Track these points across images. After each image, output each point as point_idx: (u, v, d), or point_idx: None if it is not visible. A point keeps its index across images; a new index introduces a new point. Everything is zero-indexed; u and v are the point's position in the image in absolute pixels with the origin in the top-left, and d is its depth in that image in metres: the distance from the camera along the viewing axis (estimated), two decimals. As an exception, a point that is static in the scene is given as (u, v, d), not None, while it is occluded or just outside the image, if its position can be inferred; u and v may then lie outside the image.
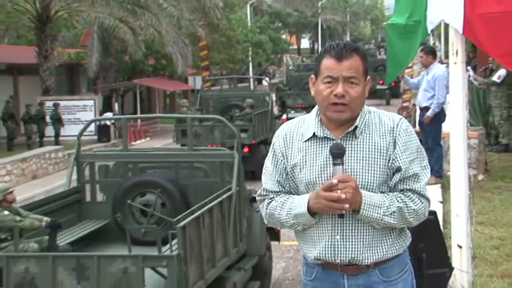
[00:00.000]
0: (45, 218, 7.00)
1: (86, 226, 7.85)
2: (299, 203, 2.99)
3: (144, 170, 8.18)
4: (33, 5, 24.15)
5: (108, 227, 7.83)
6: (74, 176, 8.10)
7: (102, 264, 5.74)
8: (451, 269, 4.64)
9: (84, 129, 9.39)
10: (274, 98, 24.19)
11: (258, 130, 16.15)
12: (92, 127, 24.95)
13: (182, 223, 5.75)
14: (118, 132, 26.53)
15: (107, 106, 27.99)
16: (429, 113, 9.82)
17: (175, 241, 5.81)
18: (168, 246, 5.90)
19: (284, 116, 23.83)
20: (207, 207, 6.38)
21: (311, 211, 2.95)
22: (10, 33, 26.54)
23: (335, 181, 2.84)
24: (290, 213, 3.02)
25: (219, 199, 6.72)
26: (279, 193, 3.14)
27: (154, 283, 5.79)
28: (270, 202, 3.13)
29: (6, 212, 6.74)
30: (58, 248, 6.84)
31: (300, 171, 3.05)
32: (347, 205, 2.84)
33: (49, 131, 23.45)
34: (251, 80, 40.35)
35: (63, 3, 24.53)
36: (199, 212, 6.20)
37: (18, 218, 6.80)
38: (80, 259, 5.82)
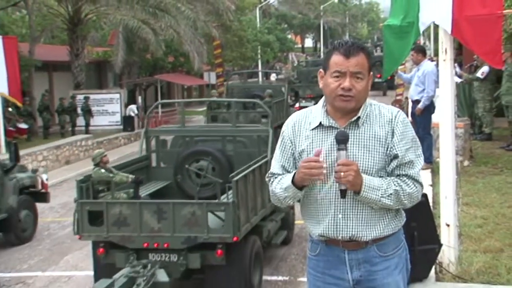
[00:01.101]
0: (130, 176, 8.12)
1: (154, 185, 8.98)
2: (288, 177, 3.03)
3: (197, 142, 9.24)
4: (66, 9, 24.18)
5: (169, 186, 8.95)
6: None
7: (176, 208, 6.88)
8: (440, 245, 4.64)
9: (152, 110, 12.04)
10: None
11: (276, 116, 16.40)
12: (118, 118, 25.06)
13: (235, 178, 6.81)
14: (141, 122, 26.59)
15: (131, 99, 28.05)
16: (420, 105, 9.80)
17: (230, 192, 7.01)
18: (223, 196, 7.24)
19: (297, 105, 24.62)
20: (250, 168, 7.34)
21: (296, 184, 2.98)
22: (46, 34, 26.49)
23: (320, 158, 2.89)
24: (282, 187, 3.06)
25: (258, 164, 7.61)
26: (282, 175, 3.15)
27: (214, 224, 6.92)
28: (273, 182, 3.17)
29: (102, 170, 7.90)
30: (140, 198, 8.02)
31: (307, 156, 3.05)
32: (324, 171, 2.88)
33: (80, 121, 23.50)
34: (260, 75, 40.31)
35: (92, 7, 24.55)
36: (245, 171, 7.20)
37: (111, 175, 7.94)
38: (159, 204, 7.03)
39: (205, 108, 20.76)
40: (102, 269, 7.15)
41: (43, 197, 11.20)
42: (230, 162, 8.56)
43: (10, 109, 18.92)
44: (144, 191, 8.48)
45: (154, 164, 9.42)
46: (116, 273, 6.68)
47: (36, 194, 11.07)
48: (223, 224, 6.86)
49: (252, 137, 9.14)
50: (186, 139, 9.36)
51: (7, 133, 17.11)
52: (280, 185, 3.09)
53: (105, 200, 7.47)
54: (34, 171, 11.68)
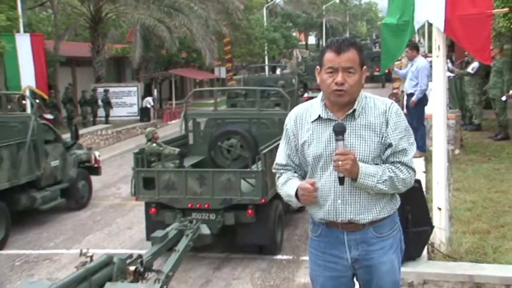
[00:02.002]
0: (176, 149, 9.06)
1: (192, 159, 9.86)
2: (292, 187, 3.05)
3: (227, 124, 10.07)
4: (88, 8, 24.21)
5: (204, 160, 9.80)
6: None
7: (215, 176, 7.94)
8: (432, 227, 4.63)
9: (188, 97, 14.16)
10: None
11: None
12: (135, 109, 25.09)
13: (264, 151, 7.89)
14: (157, 113, 26.63)
15: (147, 92, 28.04)
16: (414, 98, 9.76)
17: (258, 163, 7.98)
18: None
19: (306, 95, 25.02)
20: (274, 144, 8.10)
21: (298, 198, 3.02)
22: (70, 31, 26.53)
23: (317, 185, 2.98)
24: (287, 193, 3.09)
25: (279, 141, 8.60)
26: (287, 167, 3.16)
27: (246, 189, 7.97)
28: (279, 177, 3.18)
29: (154, 145, 8.84)
30: (184, 167, 8.98)
31: (309, 147, 3.06)
32: (315, 199, 2.99)
33: (101, 112, 23.57)
34: (266, 69, 40.24)
35: (112, 7, 24.53)
36: (270, 146, 8.14)
37: (161, 148, 8.87)
38: (201, 173, 8.15)
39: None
40: (153, 226, 7.90)
41: (96, 170, 12.39)
42: (255, 140, 9.24)
43: (37, 101, 18.96)
44: (185, 163, 9.37)
45: (191, 141, 10.36)
46: (164, 229, 6.96)
47: (90, 168, 12.16)
48: (253, 188, 7.87)
49: (274, 119, 9.96)
50: (218, 121, 10.27)
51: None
52: (286, 188, 3.10)
53: (156, 168, 8.46)
54: (89, 148, 13.07)
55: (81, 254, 5.02)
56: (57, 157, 10.97)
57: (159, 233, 6.10)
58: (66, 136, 12.33)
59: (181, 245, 5.94)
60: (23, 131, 10.32)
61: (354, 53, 2.95)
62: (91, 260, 4.95)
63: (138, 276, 5.09)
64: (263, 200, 7.77)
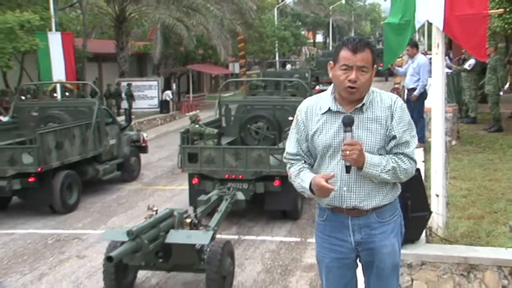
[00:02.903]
0: (215, 130, 9.97)
1: (224, 139, 10.46)
2: (306, 180, 3.01)
3: (255, 109, 10.77)
4: (113, 9, 24.26)
5: (235, 140, 10.51)
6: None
7: (248, 152, 8.73)
8: (430, 212, 4.61)
9: (223, 86, 14.20)
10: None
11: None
12: (155, 102, 25.13)
13: (288, 132, 8.29)
14: (176, 106, 26.66)
15: (167, 86, 28.07)
16: (416, 92, 9.70)
17: (284, 141, 8.13)
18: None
19: (317, 87, 25.40)
20: None
21: (312, 190, 2.98)
22: (96, 30, 26.62)
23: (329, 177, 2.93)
24: (300, 184, 3.06)
25: None
26: (297, 156, 3.13)
27: (273, 163, 8.57)
28: (290, 167, 3.16)
29: (197, 126, 9.80)
30: (222, 145, 9.80)
31: (318, 137, 3.04)
32: (333, 192, 2.93)
33: (124, 104, 23.60)
34: (277, 64, 40.11)
35: (135, 7, 24.53)
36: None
37: (202, 128, 9.81)
38: (236, 149, 9.01)
39: (230, 93, 21.53)
40: (195, 193, 8.69)
41: (144, 149, 13.32)
42: (279, 123, 10.07)
43: (67, 93, 19.08)
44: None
45: (223, 124, 11.09)
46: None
47: (139, 147, 13.09)
48: (279, 163, 8.31)
49: (295, 105, 10.80)
50: (247, 107, 10.98)
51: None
52: (299, 181, 3.06)
53: (199, 145, 9.33)
54: (138, 130, 14.09)
55: (148, 208, 6.15)
56: (114, 137, 12.01)
57: (203, 197, 7.17)
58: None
59: (222, 206, 7.04)
60: (89, 114, 11.38)
61: (368, 53, 2.94)
62: (156, 213, 6.05)
63: (193, 226, 6.20)
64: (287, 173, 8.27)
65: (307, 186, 2.99)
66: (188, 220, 6.16)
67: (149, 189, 11.74)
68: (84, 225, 9.35)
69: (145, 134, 13.55)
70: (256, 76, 29.95)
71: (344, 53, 2.94)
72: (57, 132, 10.17)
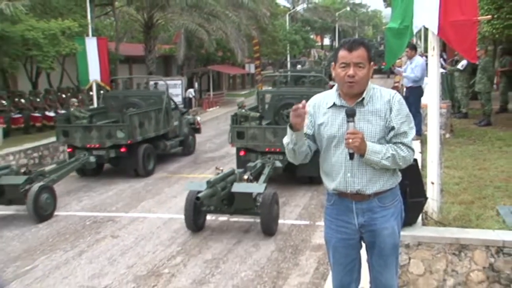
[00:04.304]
0: (257, 113, 11.22)
1: (263, 122, 11.34)
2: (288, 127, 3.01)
3: (286, 98, 11.66)
4: (142, 16, 24.28)
5: (270, 123, 11.34)
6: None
7: (284, 130, 10.05)
8: (426, 198, 4.59)
9: (259, 82, 16.21)
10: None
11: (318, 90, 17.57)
12: (179, 99, 25.14)
13: None
14: (197, 102, 26.71)
15: (190, 84, 28.14)
16: (405, 75, 9.92)
17: None
18: None
19: (330, 83, 25.42)
20: None
21: (293, 128, 2.94)
22: (127, 35, 26.70)
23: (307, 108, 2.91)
24: (285, 136, 3.07)
25: None
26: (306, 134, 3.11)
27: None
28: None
29: (243, 110, 10.98)
30: (263, 125, 10.77)
31: (324, 128, 3.06)
32: (305, 107, 2.85)
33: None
34: (288, 65, 39.97)
35: (162, 14, 24.53)
36: None
37: (247, 113, 10.94)
38: (275, 128, 10.17)
39: (246, 91, 21.72)
40: (242, 163, 10.05)
41: (198, 130, 15.13)
42: None
43: (102, 91, 19.21)
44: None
45: (260, 110, 11.97)
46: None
47: (194, 129, 14.91)
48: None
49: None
50: (280, 96, 11.99)
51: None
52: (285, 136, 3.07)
53: (245, 126, 10.45)
54: (194, 115, 15.72)
55: (216, 168, 7.81)
56: (176, 119, 13.71)
57: (251, 164, 9.13)
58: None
59: (265, 170, 8.98)
60: (159, 102, 13.06)
61: (363, 50, 2.94)
62: (222, 171, 7.60)
63: (249, 181, 7.76)
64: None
65: (288, 126, 2.97)
66: (246, 177, 7.76)
67: (173, 177, 11.81)
68: (117, 209, 9.46)
69: (198, 118, 15.33)
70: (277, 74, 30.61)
71: (342, 53, 2.95)
72: (140, 115, 11.96)
